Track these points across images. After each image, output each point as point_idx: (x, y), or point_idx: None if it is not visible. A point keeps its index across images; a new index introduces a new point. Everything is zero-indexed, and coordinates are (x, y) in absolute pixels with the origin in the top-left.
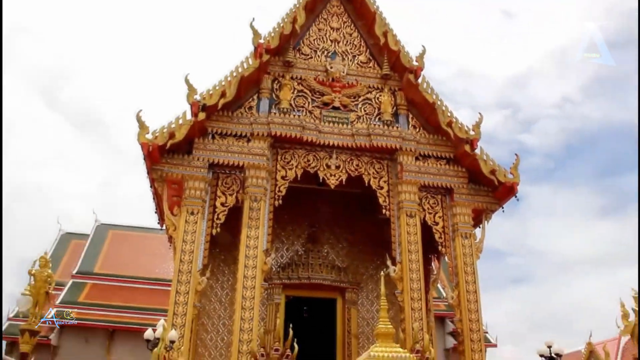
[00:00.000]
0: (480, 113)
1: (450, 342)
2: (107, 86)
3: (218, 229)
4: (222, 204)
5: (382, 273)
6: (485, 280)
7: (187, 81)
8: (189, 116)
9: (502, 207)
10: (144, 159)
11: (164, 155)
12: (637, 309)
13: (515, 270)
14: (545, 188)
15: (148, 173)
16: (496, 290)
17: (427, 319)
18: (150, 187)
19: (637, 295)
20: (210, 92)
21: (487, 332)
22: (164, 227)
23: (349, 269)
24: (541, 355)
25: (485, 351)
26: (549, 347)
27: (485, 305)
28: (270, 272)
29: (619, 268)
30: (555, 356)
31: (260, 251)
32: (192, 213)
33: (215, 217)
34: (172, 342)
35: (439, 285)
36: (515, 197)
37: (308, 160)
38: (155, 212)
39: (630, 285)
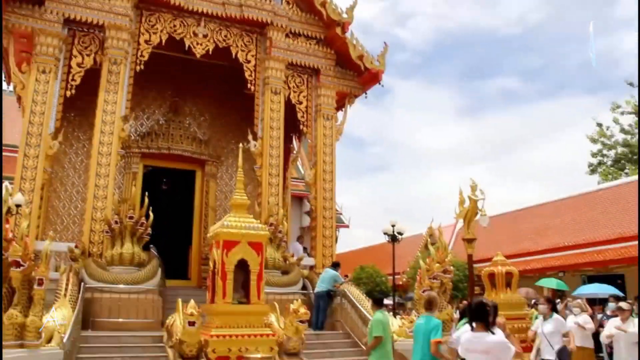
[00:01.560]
0: None
1: (307, 221)
2: None
3: (73, 91)
4: (79, 65)
5: (241, 145)
6: (346, 167)
7: None
8: None
9: (366, 94)
10: None
11: (10, 4)
12: (472, 197)
13: (376, 159)
14: (412, 83)
15: None
16: (356, 176)
17: (283, 195)
18: None
19: (474, 185)
20: None
21: (341, 214)
22: (10, 86)
23: (210, 142)
24: (385, 234)
25: (338, 231)
26: (393, 226)
27: (345, 189)
28: (128, 140)
29: (469, 164)
30: (397, 234)
31: (118, 117)
32: (44, 72)
33: (71, 78)
34: (19, 206)
35: (299, 165)
36: (380, 84)
37: (174, 26)
38: (1, 69)
39: (471, 177)
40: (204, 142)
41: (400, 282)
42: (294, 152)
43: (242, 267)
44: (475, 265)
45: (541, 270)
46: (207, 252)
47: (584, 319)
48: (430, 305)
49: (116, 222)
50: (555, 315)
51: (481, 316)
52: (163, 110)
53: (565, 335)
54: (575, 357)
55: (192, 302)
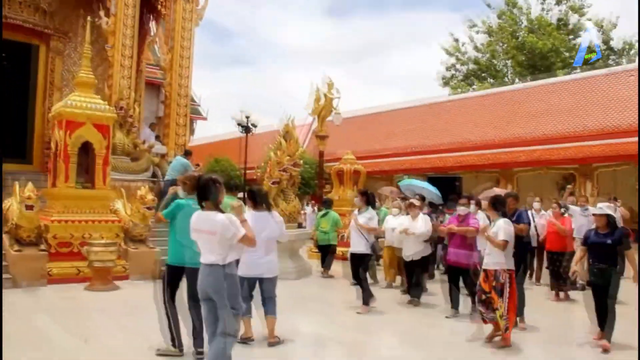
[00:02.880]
0: None
1: (163, 110)
2: None
3: None
4: None
5: (89, 19)
6: (209, 57)
7: None
8: None
9: None
10: None
11: None
12: (328, 94)
13: (240, 52)
14: None
15: None
16: (219, 68)
17: (137, 79)
18: None
19: (330, 83)
20: None
21: (199, 105)
22: None
23: (57, 14)
24: (239, 124)
25: (195, 122)
26: (247, 117)
27: (206, 81)
28: None
29: (331, 64)
30: (251, 126)
31: None
32: None
33: None
34: None
35: (157, 51)
36: None
37: None
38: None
39: (328, 75)
40: (49, 14)
41: (255, 177)
42: (151, 34)
43: (87, 150)
44: (328, 164)
45: (389, 172)
46: (51, 135)
47: (401, 221)
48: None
49: None
50: (370, 209)
51: (209, 194)
52: None
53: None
54: (386, 254)
55: (29, 184)
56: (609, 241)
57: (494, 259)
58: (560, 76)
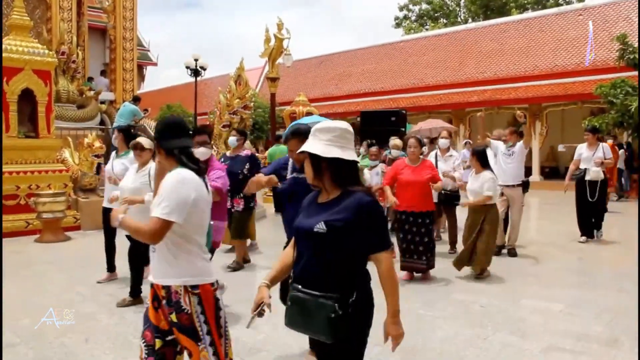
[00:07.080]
0: None
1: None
2: None
3: None
4: None
5: None
6: (160, 2)
7: None
8: None
9: None
10: None
11: None
12: (278, 35)
13: None
14: None
15: None
16: (172, 13)
17: (79, 22)
18: None
19: (281, 24)
20: None
21: (148, 51)
22: None
23: None
24: (187, 67)
25: (145, 68)
26: (196, 60)
27: (157, 26)
28: None
29: (284, 8)
30: (200, 69)
31: None
32: None
33: None
34: None
35: None
36: None
37: None
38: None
39: (278, 16)
40: None
41: (208, 122)
42: None
43: (28, 98)
44: (282, 107)
45: (342, 114)
46: None
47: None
48: None
49: None
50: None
51: None
52: None
53: None
54: None
55: None
56: (320, 228)
57: (166, 265)
58: (512, 16)
